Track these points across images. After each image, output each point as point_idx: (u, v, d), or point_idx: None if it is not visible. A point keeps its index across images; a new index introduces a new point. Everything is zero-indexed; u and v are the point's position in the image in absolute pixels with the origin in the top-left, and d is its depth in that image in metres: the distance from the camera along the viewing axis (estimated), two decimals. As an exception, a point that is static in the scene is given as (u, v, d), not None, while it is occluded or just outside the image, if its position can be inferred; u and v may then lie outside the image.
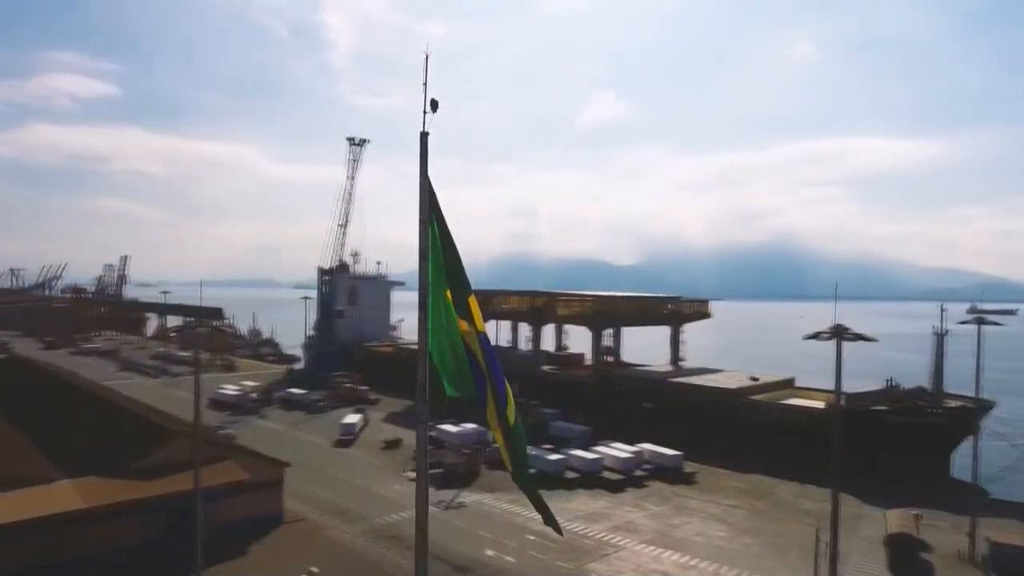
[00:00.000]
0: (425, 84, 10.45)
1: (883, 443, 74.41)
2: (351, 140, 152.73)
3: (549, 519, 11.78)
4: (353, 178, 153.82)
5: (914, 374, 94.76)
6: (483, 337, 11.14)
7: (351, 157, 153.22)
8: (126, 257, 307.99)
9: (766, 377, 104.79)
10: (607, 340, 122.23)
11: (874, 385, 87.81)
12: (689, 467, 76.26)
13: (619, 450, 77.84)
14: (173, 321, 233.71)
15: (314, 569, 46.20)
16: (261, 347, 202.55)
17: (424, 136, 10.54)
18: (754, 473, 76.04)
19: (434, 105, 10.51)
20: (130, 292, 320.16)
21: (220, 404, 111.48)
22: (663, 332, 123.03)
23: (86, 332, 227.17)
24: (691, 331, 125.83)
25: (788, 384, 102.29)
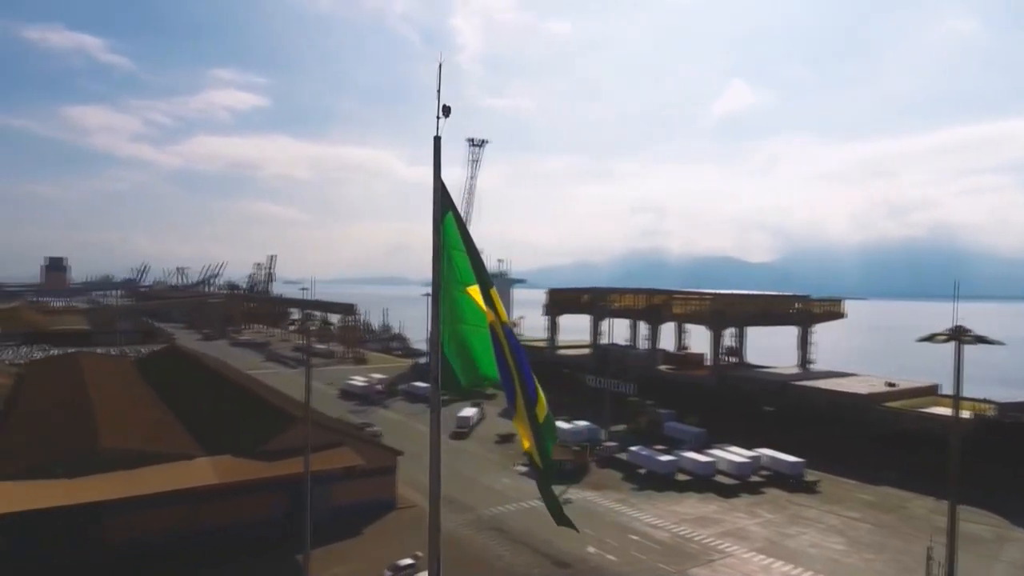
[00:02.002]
0: (439, 91, 10.99)
1: (1039, 459, 66.85)
2: (470, 141, 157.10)
3: (562, 520, 11.74)
4: (473, 178, 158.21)
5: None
6: (507, 328, 11.51)
7: (471, 158, 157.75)
8: (273, 256, 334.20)
9: (905, 383, 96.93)
10: (731, 340, 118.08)
11: (1032, 395, 79.12)
12: (811, 475, 72.16)
13: (735, 454, 75.13)
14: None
15: (419, 553, 48.22)
16: (390, 342, 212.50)
17: (437, 140, 11.09)
18: (885, 486, 70.79)
19: (446, 111, 11.03)
20: (276, 289, 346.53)
21: (348, 394, 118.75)
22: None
23: (237, 325, 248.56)
24: (827, 333, 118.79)
25: (930, 391, 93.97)
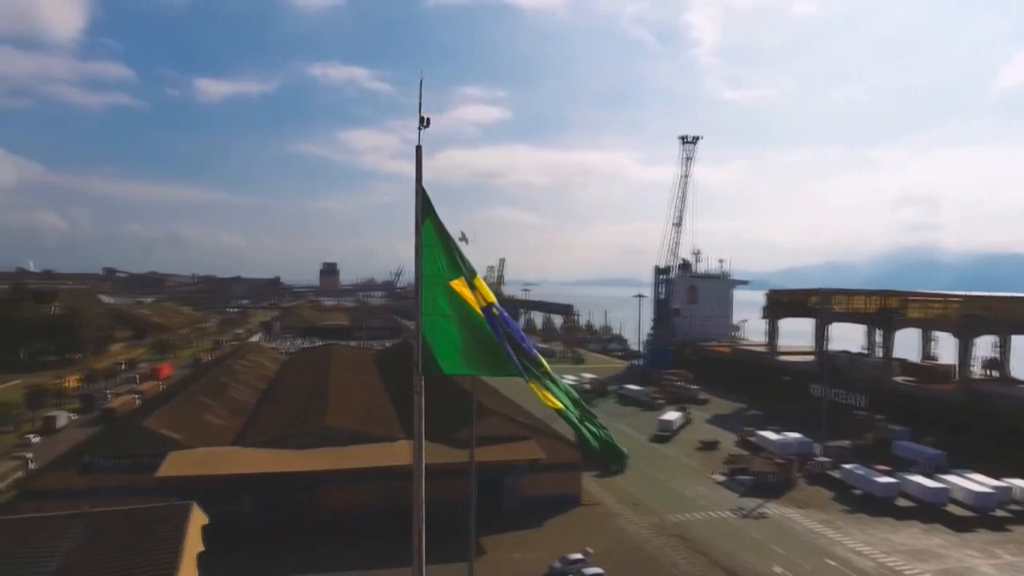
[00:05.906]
0: (420, 103, 12.11)
1: None
2: (683, 139, 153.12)
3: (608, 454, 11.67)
4: (687, 176, 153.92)
5: None
6: (500, 308, 12.49)
7: (684, 155, 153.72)
8: (503, 259, 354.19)
9: None
10: (993, 352, 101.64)
11: None
12: (1080, 516, 59.89)
13: (977, 483, 64.85)
14: (538, 317, 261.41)
15: (589, 549, 49.05)
16: (610, 343, 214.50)
17: (418, 150, 12.23)
18: None
19: (426, 122, 12.12)
20: (507, 291, 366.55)
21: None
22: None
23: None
24: None
25: None
